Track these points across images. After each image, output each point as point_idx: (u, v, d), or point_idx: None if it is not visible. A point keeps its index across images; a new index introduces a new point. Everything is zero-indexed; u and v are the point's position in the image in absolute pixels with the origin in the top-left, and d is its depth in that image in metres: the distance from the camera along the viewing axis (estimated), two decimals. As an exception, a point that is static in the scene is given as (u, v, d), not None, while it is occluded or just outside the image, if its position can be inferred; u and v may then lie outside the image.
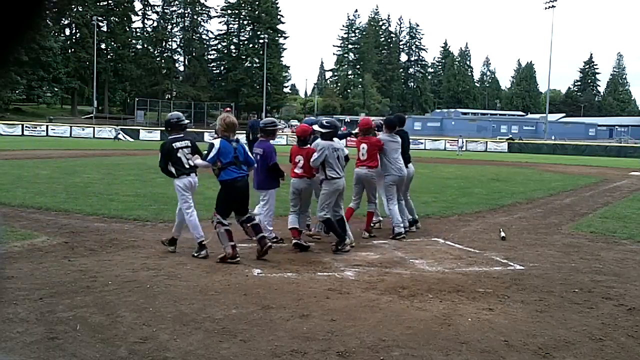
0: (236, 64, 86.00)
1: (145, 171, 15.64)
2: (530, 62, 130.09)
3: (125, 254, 6.08)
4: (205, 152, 6.16)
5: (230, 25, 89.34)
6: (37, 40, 51.72)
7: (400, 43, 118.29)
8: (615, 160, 35.70)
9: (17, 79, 59.20)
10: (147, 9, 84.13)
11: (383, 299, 4.69)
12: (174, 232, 6.33)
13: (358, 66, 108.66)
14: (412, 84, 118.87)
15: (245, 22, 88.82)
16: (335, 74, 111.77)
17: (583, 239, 7.92)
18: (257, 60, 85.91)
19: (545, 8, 68.86)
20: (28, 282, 4.81)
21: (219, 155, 5.99)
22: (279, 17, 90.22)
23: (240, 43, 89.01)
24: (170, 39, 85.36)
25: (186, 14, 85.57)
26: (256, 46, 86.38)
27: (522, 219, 9.72)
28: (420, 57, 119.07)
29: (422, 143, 51.36)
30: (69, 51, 73.62)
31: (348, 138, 9.23)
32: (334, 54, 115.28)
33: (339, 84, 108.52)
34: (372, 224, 7.89)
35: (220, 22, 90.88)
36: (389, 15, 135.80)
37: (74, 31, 75.70)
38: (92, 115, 66.80)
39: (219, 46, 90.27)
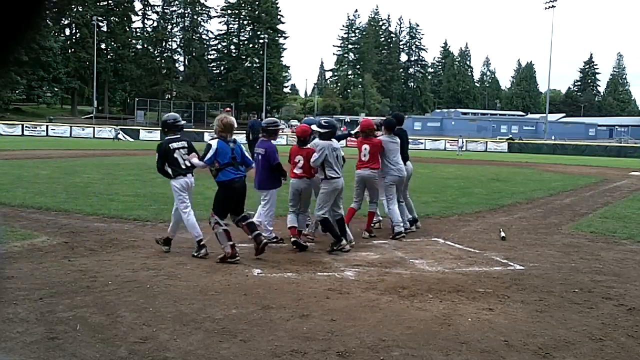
0: (236, 64, 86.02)
1: (145, 171, 15.63)
2: (530, 62, 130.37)
3: (125, 254, 6.08)
4: (203, 152, 6.17)
5: (230, 25, 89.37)
6: (37, 40, 51.73)
7: (400, 43, 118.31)
8: (615, 160, 35.71)
9: (17, 79, 59.20)
10: (147, 9, 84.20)
11: (383, 299, 4.69)
12: (169, 233, 6.33)
13: (358, 66, 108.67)
14: (412, 84, 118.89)
15: (245, 22, 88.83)
16: (335, 74, 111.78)
17: (583, 239, 7.92)
18: (257, 60, 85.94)
19: (545, 8, 68.94)
20: (28, 282, 4.81)
21: (217, 156, 6.00)
22: (279, 17, 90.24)
23: (240, 43, 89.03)
24: (170, 39, 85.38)
25: (186, 14, 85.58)
26: (256, 46, 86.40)
27: (522, 219, 9.72)
28: (420, 57, 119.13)
29: (422, 143, 51.38)
30: (69, 51, 73.62)
31: (348, 138, 9.23)
32: (334, 54, 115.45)
33: (339, 84, 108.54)
34: (372, 224, 7.90)
35: (220, 22, 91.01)
36: (389, 15, 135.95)
37: (74, 31, 75.72)
38: (92, 115, 66.80)
39: (219, 46, 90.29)
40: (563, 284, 5.36)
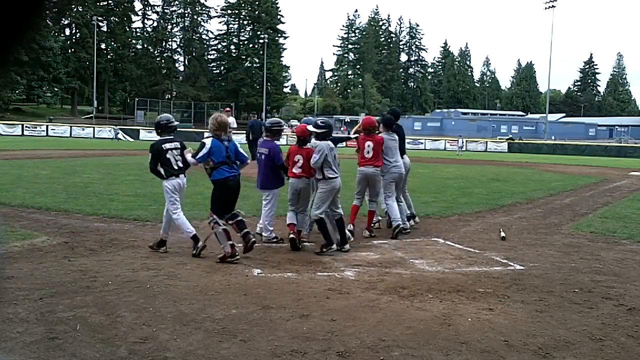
0: (236, 64, 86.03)
1: (145, 171, 15.55)
2: (530, 62, 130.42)
3: (125, 254, 6.08)
4: (196, 150, 6.20)
5: (230, 25, 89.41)
6: (37, 40, 51.73)
7: (400, 43, 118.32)
8: (615, 160, 35.69)
9: (17, 79, 59.21)
10: (147, 9, 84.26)
11: (383, 299, 4.69)
12: (162, 234, 6.34)
13: (358, 66, 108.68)
14: (412, 84, 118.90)
15: (245, 22, 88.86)
16: (335, 74, 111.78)
17: (583, 239, 7.92)
18: (257, 60, 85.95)
19: (545, 8, 68.95)
20: (28, 282, 4.81)
21: (211, 154, 6.02)
22: (279, 17, 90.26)
23: (240, 43, 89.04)
24: (170, 39, 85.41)
25: (186, 14, 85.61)
26: (256, 46, 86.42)
27: (522, 219, 9.72)
28: (420, 57, 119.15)
29: (422, 143, 51.33)
30: (69, 51, 73.64)
31: (348, 141, 9.25)
32: (334, 54, 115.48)
33: (339, 84, 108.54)
34: (372, 224, 7.90)
35: (220, 22, 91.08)
36: (389, 15, 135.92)
37: (74, 31, 75.74)
38: (92, 115, 66.80)
39: (219, 46, 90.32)
40: (563, 284, 5.36)
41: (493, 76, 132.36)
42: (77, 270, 5.29)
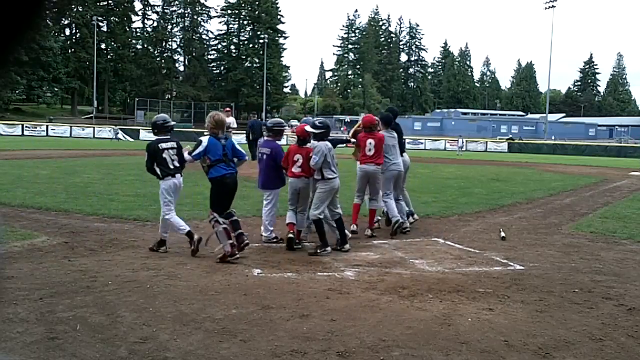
0: (236, 64, 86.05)
1: (145, 171, 15.57)
2: (530, 62, 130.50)
3: (125, 254, 6.08)
4: (193, 147, 6.23)
5: (230, 25, 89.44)
6: (37, 40, 51.73)
7: (400, 43, 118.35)
8: (615, 160, 35.68)
9: (17, 79, 59.21)
10: (147, 9, 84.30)
11: (383, 299, 4.68)
12: (160, 234, 6.34)
13: (358, 66, 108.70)
14: (412, 84, 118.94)
15: (245, 22, 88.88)
16: (335, 74, 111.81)
17: (583, 239, 7.92)
18: (257, 60, 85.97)
19: (545, 8, 68.94)
20: (28, 282, 4.81)
21: (208, 152, 6.04)
22: (279, 17, 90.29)
23: (240, 43, 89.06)
24: (170, 39, 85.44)
25: (186, 14, 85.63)
26: (256, 46, 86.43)
27: (522, 219, 9.72)
28: (420, 57, 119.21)
29: (422, 143, 51.27)
30: (69, 51, 73.64)
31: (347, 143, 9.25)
32: (334, 54, 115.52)
33: (339, 84, 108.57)
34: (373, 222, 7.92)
35: (220, 22, 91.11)
36: (389, 15, 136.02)
37: (74, 31, 75.76)
38: (92, 115, 66.80)
39: (219, 46, 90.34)
40: (563, 284, 5.36)
41: (493, 76, 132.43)
42: (77, 270, 5.29)
